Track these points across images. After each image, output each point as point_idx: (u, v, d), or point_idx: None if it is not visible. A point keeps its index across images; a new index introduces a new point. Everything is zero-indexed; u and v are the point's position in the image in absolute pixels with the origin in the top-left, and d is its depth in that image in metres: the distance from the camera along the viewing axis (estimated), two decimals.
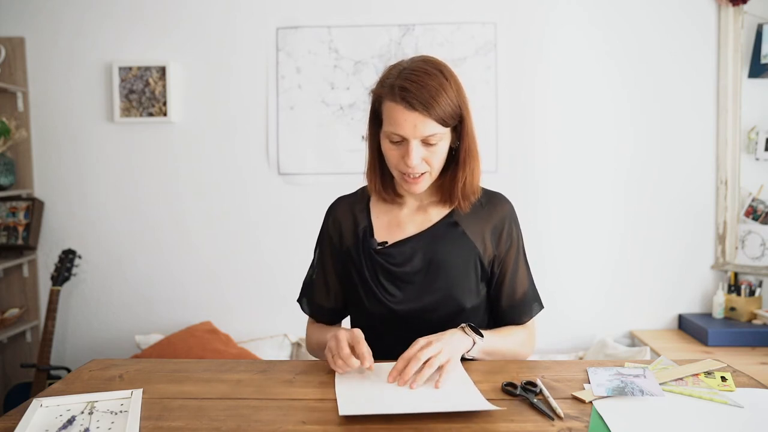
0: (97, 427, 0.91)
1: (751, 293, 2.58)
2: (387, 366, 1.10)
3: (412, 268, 1.24)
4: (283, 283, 2.70)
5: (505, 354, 1.23)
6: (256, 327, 2.77)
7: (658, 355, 1.84)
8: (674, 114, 2.66)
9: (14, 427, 0.90)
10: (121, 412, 0.96)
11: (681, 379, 1.06)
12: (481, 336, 1.15)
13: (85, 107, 2.76)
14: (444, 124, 1.16)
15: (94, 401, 1.00)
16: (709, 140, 2.65)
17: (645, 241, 2.70)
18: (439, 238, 1.26)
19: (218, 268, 2.80)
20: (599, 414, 0.93)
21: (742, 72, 2.59)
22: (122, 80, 2.71)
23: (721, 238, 2.67)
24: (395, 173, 1.23)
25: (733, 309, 2.60)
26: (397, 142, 1.18)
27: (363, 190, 1.37)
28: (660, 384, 1.04)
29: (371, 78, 2.68)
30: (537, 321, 1.35)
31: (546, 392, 1.00)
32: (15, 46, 2.72)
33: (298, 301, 1.40)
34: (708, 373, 1.09)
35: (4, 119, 2.65)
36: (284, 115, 2.73)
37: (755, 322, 2.55)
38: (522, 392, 1.01)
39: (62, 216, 2.81)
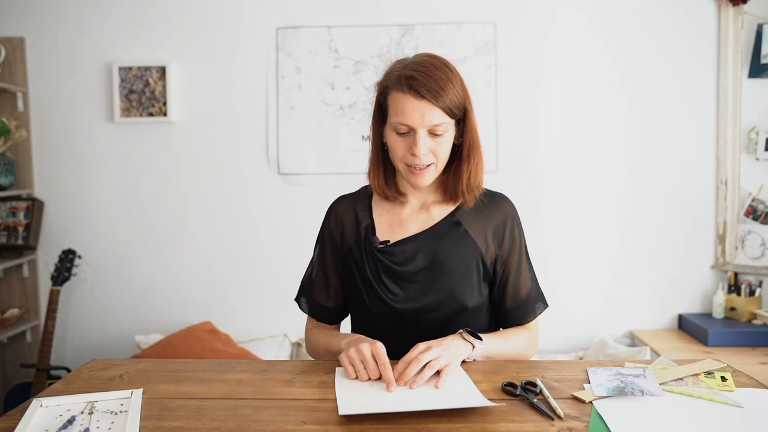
0: (97, 427, 0.91)
1: (751, 293, 2.58)
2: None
3: (414, 267, 1.24)
4: (283, 283, 2.70)
5: (507, 356, 1.23)
6: (256, 327, 2.77)
7: (658, 355, 1.84)
8: (674, 114, 2.66)
9: (14, 427, 0.90)
10: (121, 412, 0.96)
11: (681, 379, 1.06)
12: (480, 340, 1.15)
13: (85, 107, 2.76)
14: (450, 114, 1.17)
15: (94, 401, 1.00)
16: (709, 140, 2.65)
17: (645, 241, 2.70)
18: (441, 238, 1.26)
19: (218, 268, 2.80)
20: (599, 414, 0.93)
21: (742, 72, 2.59)
22: (122, 80, 2.71)
23: (721, 238, 2.67)
24: (401, 166, 1.22)
25: (733, 309, 2.60)
26: (404, 133, 1.18)
27: (364, 189, 1.37)
28: (660, 384, 1.04)
29: (371, 78, 2.68)
30: (540, 321, 1.35)
31: (546, 392, 1.00)
32: (15, 46, 2.72)
33: (296, 299, 1.40)
34: (708, 373, 1.09)
35: (4, 119, 2.66)
36: (284, 115, 2.73)
37: (755, 322, 2.55)
38: (522, 392, 1.01)
39: (62, 216, 2.81)
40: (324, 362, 1.19)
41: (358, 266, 1.28)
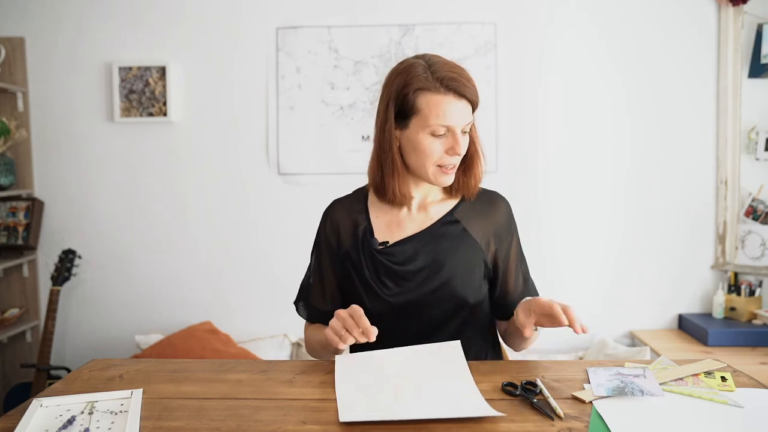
0: (97, 427, 0.91)
1: (751, 293, 2.58)
2: (387, 362, 1.10)
3: (415, 267, 1.25)
4: (283, 283, 2.70)
5: (533, 342, 1.30)
6: (256, 327, 2.77)
7: (658, 355, 1.84)
8: (674, 114, 2.66)
9: (14, 427, 0.90)
10: (121, 412, 0.96)
11: (681, 379, 1.06)
12: None
13: (85, 107, 2.76)
14: (474, 111, 1.22)
15: (94, 401, 1.00)
16: (709, 140, 2.65)
17: (645, 241, 2.70)
18: (440, 236, 1.26)
19: (218, 268, 2.80)
20: (599, 414, 0.93)
21: (742, 72, 2.59)
22: (122, 80, 2.71)
23: (721, 238, 2.67)
24: (431, 169, 1.21)
25: (733, 309, 2.60)
26: (441, 135, 1.19)
27: (360, 190, 1.37)
28: (660, 384, 1.04)
29: (371, 78, 2.68)
30: None
31: (546, 392, 1.00)
32: (15, 46, 2.72)
33: (294, 303, 1.40)
34: (708, 373, 1.09)
35: (4, 119, 2.66)
36: (284, 115, 2.73)
37: (755, 322, 2.55)
38: (522, 392, 1.01)
39: (62, 216, 2.81)
40: (324, 362, 1.19)
41: (356, 269, 1.28)
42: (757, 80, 2.59)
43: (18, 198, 2.77)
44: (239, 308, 2.80)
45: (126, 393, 1.02)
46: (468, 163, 1.28)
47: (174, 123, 2.75)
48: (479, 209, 1.30)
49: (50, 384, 2.47)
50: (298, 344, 2.70)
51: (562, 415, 0.93)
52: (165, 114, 2.71)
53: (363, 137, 2.69)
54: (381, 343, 1.16)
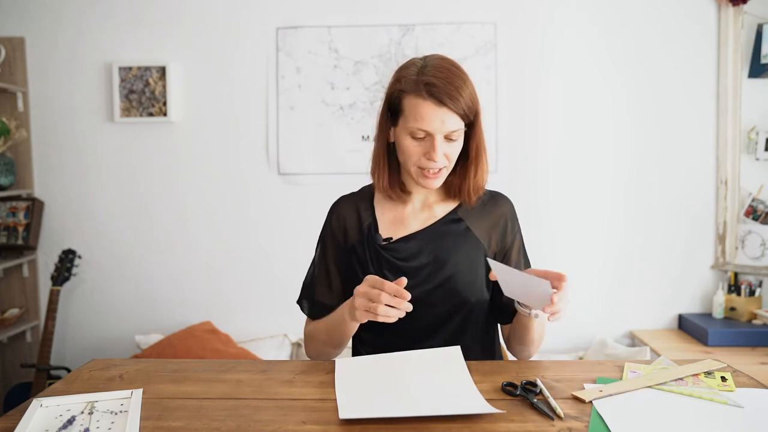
0: (97, 427, 0.91)
1: (751, 293, 2.58)
2: (387, 365, 1.10)
3: (418, 263, 1.25)
4: (283, 283, 2.70)
5: (541, 335, 1.27)
6: (256, 327, 2.77)
7: (658, 355, 1.84)
8: (674, 114, 2.66)
9: (14, 427, 0.90)
10: (121, 412, 0.96)
11: (681, 379, 1.06)
12: None
13: (85, 107, 2.76)
14: (465, 119, 1.19)
15: (94, 401, 1.00)
16: (709, 140, 2.65)
17: (645, 241, 2.70)
18: (443, 234, 1.27)
19: (218, 268, 2.80)
20: (599, 414, 0.93)
21: (742, 72, 2.59)
22: (122, 80, 2.71)
23: (721, 238, 2.67)
24: (413, 169, 1.22)
25: (733, 309, 2.60)
26: (421, 138, 1.18)
27: (366, 188, 1.38)
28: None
29: (371, 78, 2.68)
30: None
31: (546, 392, 1.00)
32: (15, 46, 2.72)
33: (297, 302, 1.39)
34: (708, 373, 1.09)
35: (4, 119, 2.66)
36: (284, 115, 2.73)
37: (755, 322, 2.55)
38: (522, 392, 1.01)
39: (62, 216, 2.81)
40: (324, 362, 1.19)
41: (361, 264, 1.28)
42: (757, 80, 2.59)
43: (18, 198, 2.77)
44: (239, 308, 2.80)
45: (126, 393, 1.02)
46: (464, 170, 1.27)
47: (174, 123, 2.75)
48: (483, 209, 1.31)
49: (50, 384, 2.47)
50: (298, 344, 2.70)
51: (562, 415, 0.93)
52: (165, 114, 2.71)
53: (363, 137, 2.69)
54: (381, 341, 1.16)
